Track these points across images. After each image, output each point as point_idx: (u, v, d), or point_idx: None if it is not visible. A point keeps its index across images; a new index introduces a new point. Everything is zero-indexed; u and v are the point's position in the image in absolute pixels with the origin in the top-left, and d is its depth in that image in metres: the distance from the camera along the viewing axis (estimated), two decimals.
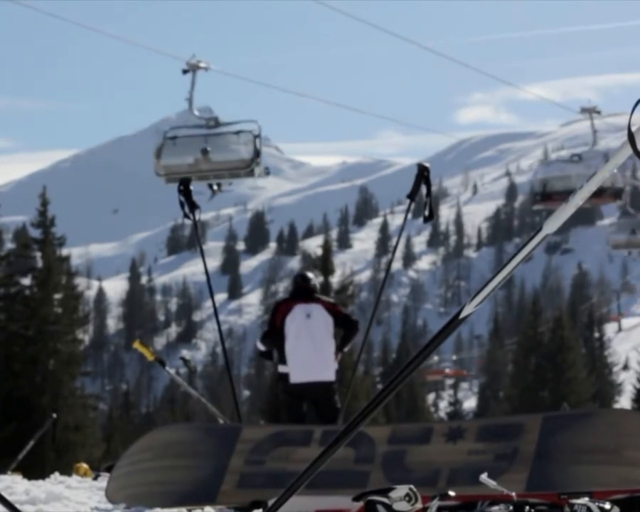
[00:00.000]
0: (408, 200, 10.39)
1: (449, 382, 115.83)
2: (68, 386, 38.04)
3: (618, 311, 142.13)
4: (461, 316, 4.23)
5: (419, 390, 71.59)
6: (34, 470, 21.95)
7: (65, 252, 40.67)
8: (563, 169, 29.11)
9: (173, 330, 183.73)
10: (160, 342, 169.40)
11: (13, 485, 9.56)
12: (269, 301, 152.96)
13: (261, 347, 11.35)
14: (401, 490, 4.65)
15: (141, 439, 8.34)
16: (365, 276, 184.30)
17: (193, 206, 10.57)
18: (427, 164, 10.29)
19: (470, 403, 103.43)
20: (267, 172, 18.09)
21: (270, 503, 4.80)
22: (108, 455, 38.56)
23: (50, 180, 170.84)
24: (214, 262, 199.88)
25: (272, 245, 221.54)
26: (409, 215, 10.76)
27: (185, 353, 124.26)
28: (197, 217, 10.60)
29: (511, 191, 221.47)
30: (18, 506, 5.04)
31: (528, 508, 5.83)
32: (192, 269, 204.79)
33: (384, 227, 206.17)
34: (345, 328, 11.12)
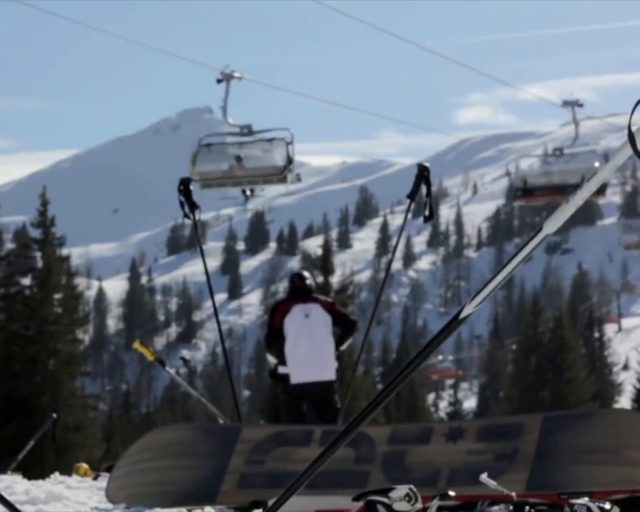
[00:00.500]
0: (408, 200, 10.39)
1: (449, 382, 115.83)
2: (68, 386, 38.03)
3: (618, 312, 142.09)
4: (461, 316, 4.23)
5: (419, 390, 71.58)
6: (34, 470, 21.95)
7: (65, 252, 40.66)
8: (544, 164, 28.46)
9: (173, 330, 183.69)
10: (160, 342, 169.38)
11: (13, 485, 9.55)
12: (269, 301, 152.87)
13: (271, 359, 11.22)
14: (401, 490, 4.65)
15: (141, 439, 8.34)
16: (365, 276, 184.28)
17: (193, 206, 10.58)
18: (427, 164, 10.29)
19: (470, 403, 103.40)
20: (299, 178, 18.52)
21: (270, 503, 4.80)
22: (108, 455, 38.55)
23: (50, 180, 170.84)
24: (214, 262, 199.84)
25: (272, 245, 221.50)
26: (409, 215, 10.76)
27: (185, 353, 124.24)
28: (197, 217, 10.62)
29: (511, 191, 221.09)
30: (18, 506, 5.04)
31: (527, 508, 5.83)
32: (192, 269, 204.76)
33: (384, 227, 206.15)
34: (342, 326, 11.11)
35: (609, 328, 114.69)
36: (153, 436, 8.38)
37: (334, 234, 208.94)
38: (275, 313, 11.07)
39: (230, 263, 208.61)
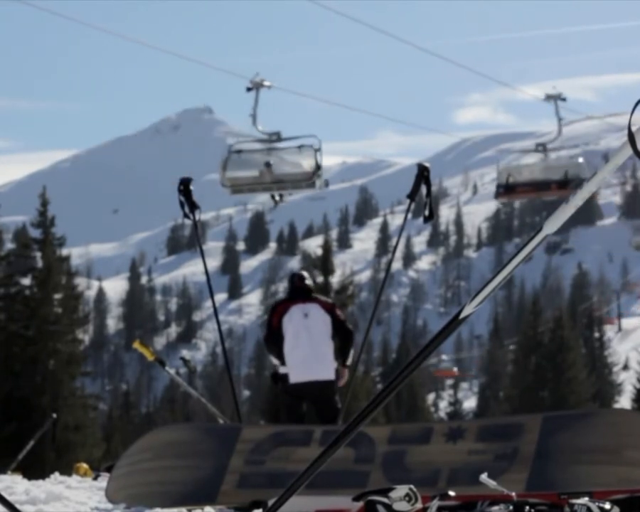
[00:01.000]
0: (408, 200, 10.39)
1: (449, 382, 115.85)
2: (68, 386, 38.03)
3: (618, 312, 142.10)
4: (461, 316, 4.23)
5: (419, 390, 71.58)
6: (34, 470, 21.93)
7: (65, 252, 40.66)
8: (526, 160, 27.79)
9: (173, 330, 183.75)
10: (160, 342, 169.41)
11: (13, 485, 9.55)
12: (269, 301, 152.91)
13: (274, 360, 11.15)
14: (401, 490, 4.65)
15: (141, 439, 8.33)
16: (365, 276, 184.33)
17: (193, 206, 10.58)
18: (427, 164, 10.28)
19: (470, 403, 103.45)
20: (327, 184, 18.95)
21: (270, 503, 4.80)
22: (108, 455, 38.57)
23: (49, 181, 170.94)
24: (214, 262, 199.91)
25: (272, 245, 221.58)
26: (409, 215, 10.76)
27: (185, 353, 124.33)
28: (197, 217, 10.62)
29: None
30: (18, 506, 5.04)
31: (527, 508, 5.83)
32: (192, 269, 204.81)
33: (384, 227, 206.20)
34: (340, 337, 11.07)
35: (609, 328, 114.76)
36: (153, 436, 8.38)
37: (334, 234, 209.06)
38: (274, 314, 11.07)
39: (230, 263, 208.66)
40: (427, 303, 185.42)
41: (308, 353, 10.76)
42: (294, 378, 10.78)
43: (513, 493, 5.86)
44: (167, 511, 7.53)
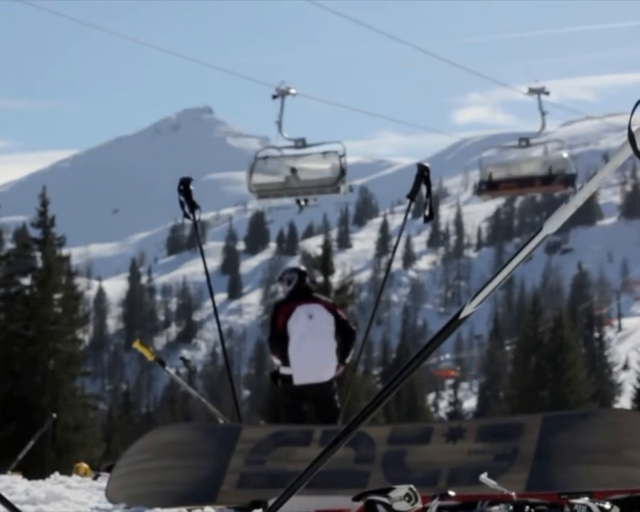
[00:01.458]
0: (408, 200, 10.39)
1: (449, 382, 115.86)
2: (68, 386, 38.01)
3: (618, 312, 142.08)
4: (461, 316, 4.23)
5: (419, 390, 71.54)
6: (34, 470, 21.93)
7: (65, 252, 40.64)
8: (509, 155, 27.34)
9: (173, 330, 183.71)
10: (160, 342, 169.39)
11: (13, 485, 9.55)
12: (269, 301, 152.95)
13: (276, 361, 11.13)
14: (401, 490, 4.65)
15: (141, 439, 8.33)
16: (365, 276, 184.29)
17: (193, 206, 10.59)
18: (427, 164, 10.29)
19: (470, 403, 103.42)
20: (351, 189, 19.24)
21: (270, 503, 4.80)
22: (108, 455, 38.56)
23: (50, 181, 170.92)
24: (214, 262, 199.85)
25: (272, 245, 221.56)
26: (409, 215, 10.76)
27: (185, 353, 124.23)
28: (197, 217, 10.62)
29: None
30: (18, 506, 5.04)
31: (527, 508, 5.82)
32: (192, 269, 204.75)
33: (384, 227, 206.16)
34: (342, 337, 11.08)
35: (609, 328, 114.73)
36: (153, 436, 8.38)
37: (334, 234, 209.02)
38: (278, 314, 11.03)
39: (230, 263, 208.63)
40: (427, 303, 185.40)
41: (313, 355, 10.75)
42: (298, 380, 10.76)
43: (513, 493, 5.86)
44: (167, 511, 7.53)
